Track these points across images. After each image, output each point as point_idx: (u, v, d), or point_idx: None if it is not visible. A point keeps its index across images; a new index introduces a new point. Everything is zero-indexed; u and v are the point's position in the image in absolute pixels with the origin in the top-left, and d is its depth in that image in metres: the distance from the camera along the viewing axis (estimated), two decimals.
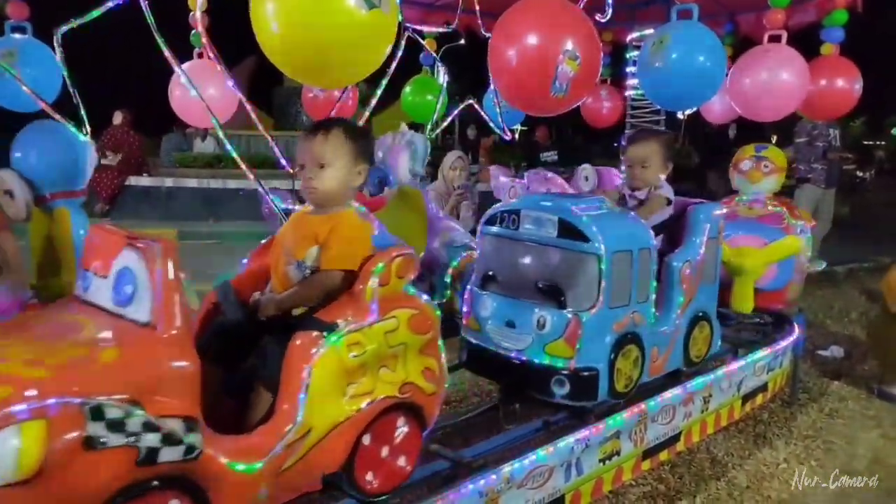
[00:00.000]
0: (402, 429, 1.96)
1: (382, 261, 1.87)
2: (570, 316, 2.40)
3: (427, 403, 2.01)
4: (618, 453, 2.62)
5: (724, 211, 3.06)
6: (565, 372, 2.41)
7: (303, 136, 1.96)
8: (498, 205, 2.70)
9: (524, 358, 2.48)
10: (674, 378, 2.87)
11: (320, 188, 1.94)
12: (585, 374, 2.41)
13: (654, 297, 2.63)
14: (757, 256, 3.46)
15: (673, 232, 2.97)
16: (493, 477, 2.13)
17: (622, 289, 2.48)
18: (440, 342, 2.06)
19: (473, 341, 2.67)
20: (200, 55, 3.60)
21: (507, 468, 2.18)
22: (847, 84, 3.74)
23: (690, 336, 2.86)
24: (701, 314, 2.91)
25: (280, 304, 1.87)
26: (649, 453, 2.80)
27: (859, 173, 18.89)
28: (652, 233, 2.65)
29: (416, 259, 1.95)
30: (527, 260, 2.57)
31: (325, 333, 1.75)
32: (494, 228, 2.68)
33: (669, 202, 3.00)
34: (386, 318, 1.87)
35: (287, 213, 2.53)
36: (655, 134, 3.14)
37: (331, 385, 1.75)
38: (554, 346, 2.41)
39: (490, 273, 2.65)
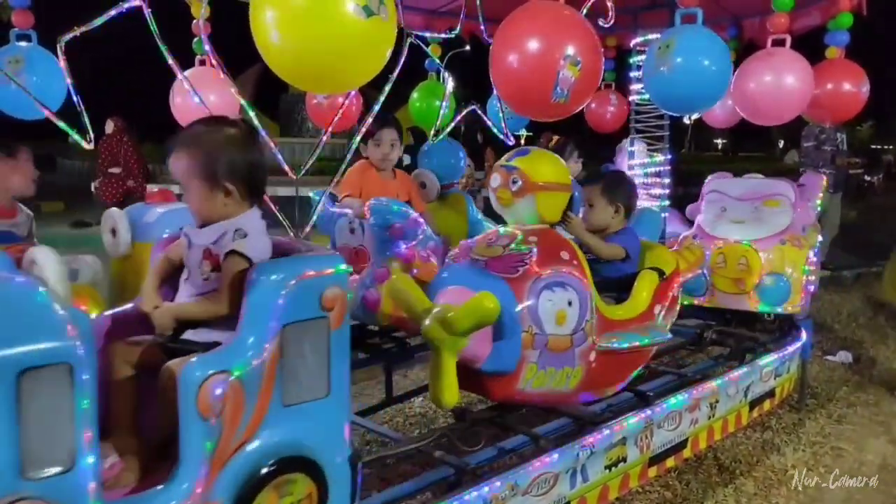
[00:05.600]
0: None
1: None
2: None
3: None
4: (624, 460, 2.61)
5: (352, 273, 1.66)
6: None
7: None
8: None
9: None
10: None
11: None
12: None
13: (94, 458, 1.28)
14: (439, 323, 2.08)
15: None
16: (498, 484, 2.12)
17: None
18: None
19: None
20: (202, 62, 3.61)
21: (511, 475, 2.17)
22: (854, 87, 3.71)
23: None
24: (287, 460, 1.57)
25: None
26: (656, 460, 2.79)
27: (867, 177, 18.89)
28: (72, 327, 1.24)
29: None
30: None
31: None
32: None
33: (249, 264, 1.64)
34: None
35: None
36: (205, 132, 1.75)
37: None
38: None
39: None
